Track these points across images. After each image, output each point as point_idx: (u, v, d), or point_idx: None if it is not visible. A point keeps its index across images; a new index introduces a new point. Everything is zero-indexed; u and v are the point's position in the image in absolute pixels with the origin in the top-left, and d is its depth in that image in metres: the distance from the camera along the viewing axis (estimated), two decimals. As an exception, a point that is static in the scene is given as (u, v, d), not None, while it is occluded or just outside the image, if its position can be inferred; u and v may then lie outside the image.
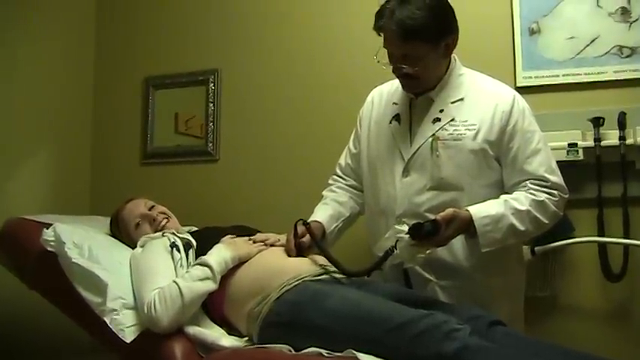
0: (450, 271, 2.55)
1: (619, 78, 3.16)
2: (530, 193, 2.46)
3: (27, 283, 2.89)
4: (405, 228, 2.31)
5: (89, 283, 2.51)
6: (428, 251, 2.39)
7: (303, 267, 2.45)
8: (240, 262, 2.51)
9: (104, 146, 4.16)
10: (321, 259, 2.53)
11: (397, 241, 2.34)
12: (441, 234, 2.31)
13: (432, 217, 2.35)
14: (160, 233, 2.73)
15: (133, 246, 2.78)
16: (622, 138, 3.04)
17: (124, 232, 2.90)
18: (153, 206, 2.94)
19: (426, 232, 2.27)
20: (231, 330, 2.47)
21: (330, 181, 2.96)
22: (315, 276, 2.41)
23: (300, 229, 2.59)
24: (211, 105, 3.91)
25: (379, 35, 2.51)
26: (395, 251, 2.35)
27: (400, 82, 2.62)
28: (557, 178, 2.51)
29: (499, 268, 2.56)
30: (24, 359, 3.21)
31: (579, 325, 3.14)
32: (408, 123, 2.64)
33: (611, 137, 3.07)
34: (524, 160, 2.49)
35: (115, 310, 2.41)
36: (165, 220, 2.90)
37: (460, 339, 1.98)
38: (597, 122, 3.07)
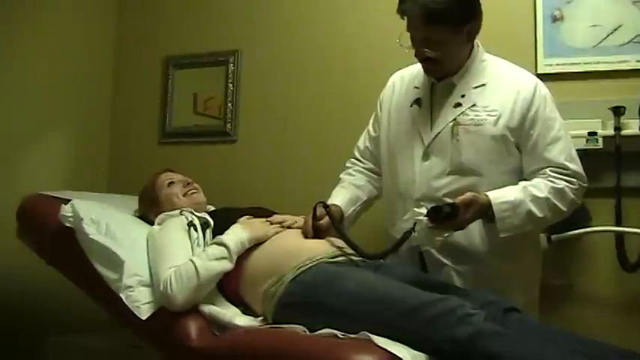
0: (465, 255, 2.55)
1: (641, 67, 3.14)
2: (550, 181, 2.45)
3: (44, 258, 2.91)
4: (424, 210, 2.30)
5: (106, 260, 2.54)
6: (446, 234, 2.40)
7: (320, 248, 2.46)
8: (256, 243, 2.52)
9: (123, 125, 4.18)
10: (338, 242, 2.53)
11: (415, 223, 2.34)
12: (460, 217, 2.31)
13: (450, 200, 2.35)
14: (177, 211, 2.73)
15: (154, 214, 2.82)
16: (642, 128, 3.02)
17: (155, 193, 2.90)
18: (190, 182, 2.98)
19: (445, 215, 2.27)
20: (247, 309, 2.48)
21: (348, 164, 2.95)
22: (332, 258, 2.42)
23: (320, 211, 2.59)
24: (230, 86, 3.91)
25: (402, 19, 2.50)
26: (413, 233, 2.36)
27: (422, 66, 2.61)
28: (576, 166, 2.51)
29: (515, 254, 2.56)
30: (38, 334, 3.23)
31: (594, 314, 3.13)
32: (429, 107, 2.64)
33: (632, 127, 3.04)
34: (544, 147, 2.49)
35: (131, 286, 2.43)
36: (195, 191, 2.93)
37: (474, 324, 1.99)
38: (618, 111, 3.04)
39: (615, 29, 3.18)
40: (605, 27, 3.20)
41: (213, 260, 2.40)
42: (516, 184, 2.48)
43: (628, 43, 3.16)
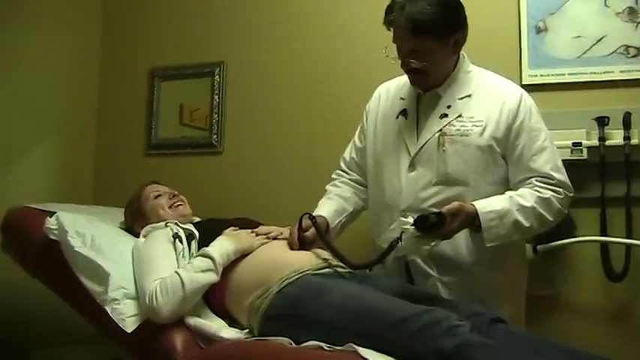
0: (452, 266, 2.55)
1: (625, 78, 3.15)
2: (536, 190, 2.46)
3: (29, 271, 2.89)
4: (411, 220, 2.31)
5: (91, 272, 2.52)
6: (432, 243, 2.40)
7: (305, 260, 2.46)
8: (242, 255, 2.51)
9: (109, 136, 4.16)
10: (324, 253, 2.53)
11: (402, 232, 2.34)
12: (446, 227, 2.31)
13: (437, 210, 2.35)
14: (162, 223, 2.72)
15: (139, 226, 2.80)
16: (627, 138, 3.03)
17: (141, 205, 2.90)
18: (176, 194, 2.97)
19: (432, 224, 2.28)
20: (232, 322, 2.47)
21: (334, 176, 2.95)
22: (317, 269, 2.42)
23: (306, 222, 2.59)
24: (216, 97, 3.90)
25: (388, 30, 2.51)
26: (400, 242, 2.36)
27: (408, 77, 2.61)
28: (562, 176, 2.51)
29: (501, 264, 2.56)
30: (25, 347, 3.21)
31: (580, 324, 3.13)
32: (415, 118, 2.64)
33: (616, 137, 3.06)
34: (530, 157, 2.49)
35: (117, 299, 2.42)
36: (181, 203, 2.92)
37: (460, 335, 1.99)
38: (602, 122, 3.06)
39: (599, 40, 3.20)
40: (588, 38, 3.22)
41: (198, 272, 2.39)
42: (503, 194, 2.49)
43: (612, 53, 3.18)
